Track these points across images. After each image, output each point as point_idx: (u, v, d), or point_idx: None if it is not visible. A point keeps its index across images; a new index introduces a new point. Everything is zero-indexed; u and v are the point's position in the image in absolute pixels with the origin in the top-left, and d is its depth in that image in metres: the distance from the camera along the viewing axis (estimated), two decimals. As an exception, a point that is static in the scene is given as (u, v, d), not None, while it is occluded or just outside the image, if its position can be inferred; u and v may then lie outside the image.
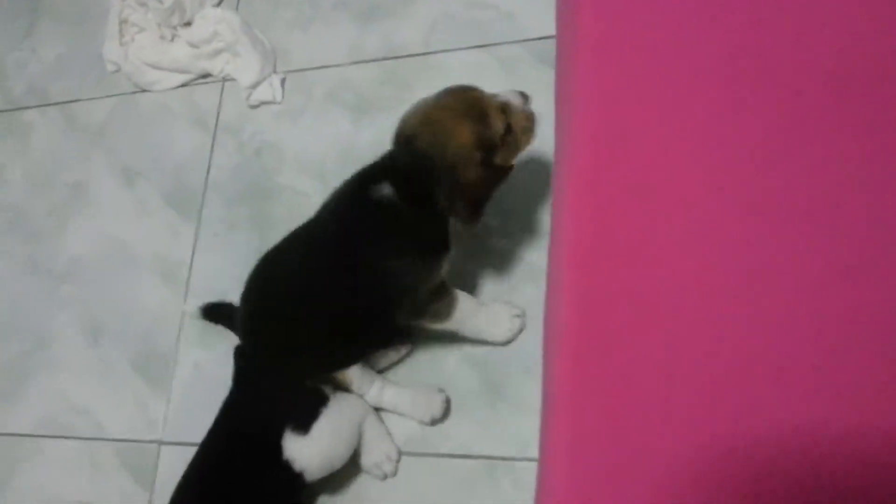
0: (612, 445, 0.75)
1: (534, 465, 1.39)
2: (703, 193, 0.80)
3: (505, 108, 1.29)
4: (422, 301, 1.36)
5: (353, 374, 1.45)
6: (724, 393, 0.71)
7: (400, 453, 1.48)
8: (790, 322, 0.69)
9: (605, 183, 0.88)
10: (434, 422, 1.47)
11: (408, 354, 1.55)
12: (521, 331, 1.48)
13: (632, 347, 0.77)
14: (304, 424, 1.37)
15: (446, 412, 1.48)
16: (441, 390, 1.48)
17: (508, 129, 1.28)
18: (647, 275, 0.80)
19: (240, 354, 1.51)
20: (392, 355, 1.53)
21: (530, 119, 1.33)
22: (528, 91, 1.36)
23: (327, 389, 1.44)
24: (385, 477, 1.47)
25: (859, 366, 0.66)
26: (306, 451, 1.36)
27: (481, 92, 1.30)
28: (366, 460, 1.47)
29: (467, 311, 1.42)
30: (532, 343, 1.47)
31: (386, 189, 1.29)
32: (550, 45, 1.69)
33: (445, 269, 1.37)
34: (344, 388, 1.46)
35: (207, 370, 1.71)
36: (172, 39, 2.09)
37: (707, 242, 0.77)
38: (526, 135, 1.33)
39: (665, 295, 0.78)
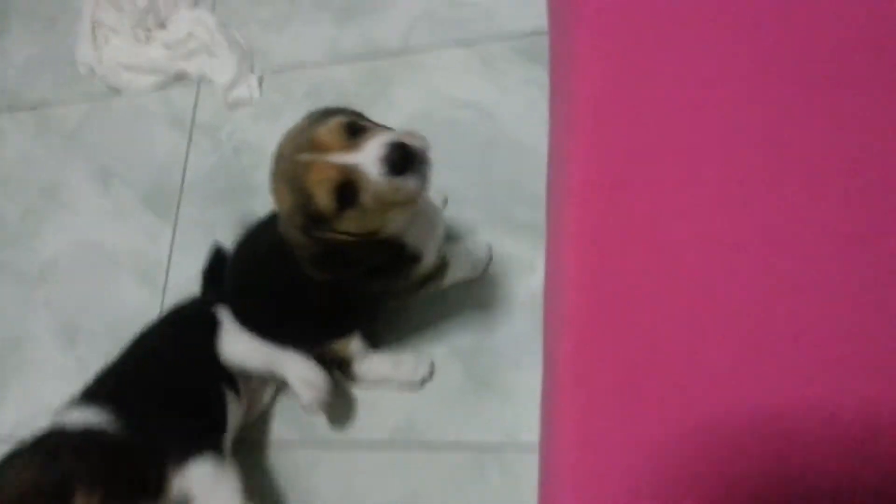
0: (620, 423, 0.74)
1: (521, 454, 1.40)
2: (716, 168, 0.80)
3: (350, 181, 1.03)
4: (413, 286, 1.37)
5: (354, 349, 1.46)
6: (735, 371, 0.70)
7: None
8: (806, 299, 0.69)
9: (611, 161, 0.88)
10: (420, 382, 1.49)
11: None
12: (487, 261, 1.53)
13: (639, 326, 0.77)
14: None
15: (430, 374, 1.49)
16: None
17: (350, 202, 1.04)
18: (656, 254, 0.80)
19: None
20: None
21: (400, 192, 1.04)
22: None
23: None
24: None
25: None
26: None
27: (319, 156, 1.04)
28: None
29: (452, 270, 1.44)
30: (518, 334, 1.48)
31: None
32: (532, 42, 1.71)
33: (426, 264, 1.33)
34: (345, 363, 1.47)
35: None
36: (147, 41, 2.07)
37: (718, 221, 0.77)
38: (393, 210, 1.09)
39: (674, 273, 0.78)
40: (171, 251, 1.82)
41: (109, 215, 1.93)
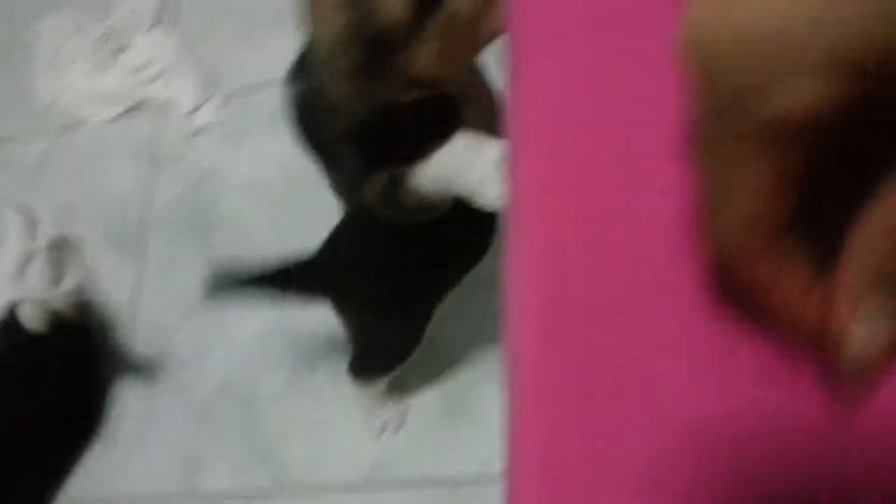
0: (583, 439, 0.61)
1: (498, 486, 1.29)
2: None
3: None
4: None
5: None
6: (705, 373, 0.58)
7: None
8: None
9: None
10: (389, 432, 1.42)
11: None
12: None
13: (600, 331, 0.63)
14: None
15: (402, 423, 1.42)
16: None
17: (425, 8, 0.71)
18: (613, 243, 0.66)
19: None
20: None
21: None
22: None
23: None
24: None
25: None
26: None
27: None
28: None
29: None
30: (491, 360, 1.40)
31: None
32: None
33: None
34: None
35: (157, 418, 1.58)
36: (108, 67, 1.98)
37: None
38: (480, 12, 0.73)
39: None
40: (140, 288, 1.72)
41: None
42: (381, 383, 1.36)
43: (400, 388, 1.42)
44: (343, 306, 1.29)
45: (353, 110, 0.77)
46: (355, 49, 0.73)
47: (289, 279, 1.31)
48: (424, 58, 0.74)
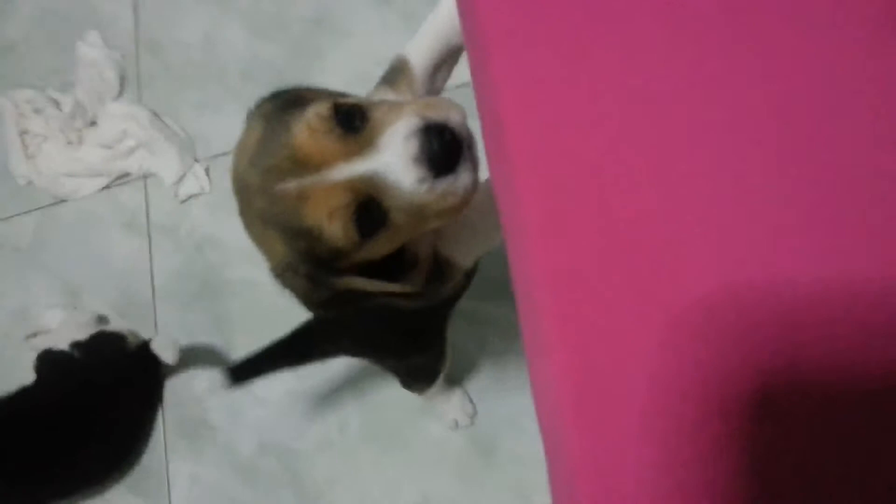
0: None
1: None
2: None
3: (371, 198, 0.69)
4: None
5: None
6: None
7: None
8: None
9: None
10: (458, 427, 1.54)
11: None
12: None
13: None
14: None
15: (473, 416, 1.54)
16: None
17: (378, 226, 0.71)
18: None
19: None
20: None
21: (449, 197, 0.68)
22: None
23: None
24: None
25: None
26: None
27: (315, 177, 0.68)
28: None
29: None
30: (514, 398, 1.50)
31: None
32: None
33: None
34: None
35: (204, 481, 1.69)
36: (80, 142, 1.99)
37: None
38: (437, 218, 0.72)
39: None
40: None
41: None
42: (435, 386, 1.46)
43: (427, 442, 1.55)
44: (355, 354, 1.39)
45: (313, 296, 0.80)
46: (305, 265, 0.75)
47: (294, 351, 1.38)
48: (369, 254, 0.76)
